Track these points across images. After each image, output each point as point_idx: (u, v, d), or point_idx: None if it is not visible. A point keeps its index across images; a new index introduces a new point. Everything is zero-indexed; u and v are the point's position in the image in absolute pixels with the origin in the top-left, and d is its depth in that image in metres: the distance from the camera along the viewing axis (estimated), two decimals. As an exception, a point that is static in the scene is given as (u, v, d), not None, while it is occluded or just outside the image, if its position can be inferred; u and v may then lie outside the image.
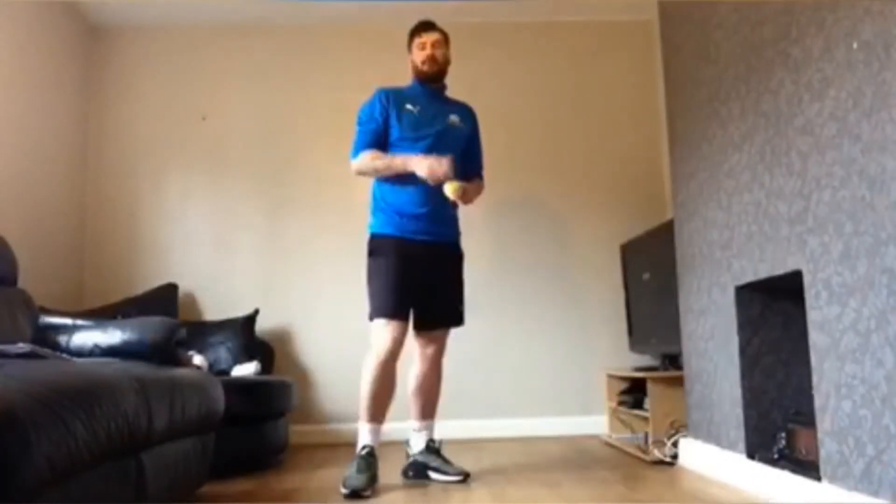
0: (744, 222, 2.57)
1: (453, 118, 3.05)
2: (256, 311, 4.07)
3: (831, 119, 2.03)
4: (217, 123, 4.42)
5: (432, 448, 2.98)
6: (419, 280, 2.88)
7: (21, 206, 3.64)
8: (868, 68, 1.86)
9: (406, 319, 2.88)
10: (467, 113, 3.13)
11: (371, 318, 2.86)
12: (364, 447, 2.79)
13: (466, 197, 2.94)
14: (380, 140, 2.95)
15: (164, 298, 4.04)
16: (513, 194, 4.36)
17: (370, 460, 2.76)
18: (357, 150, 2.96)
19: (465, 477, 2.85)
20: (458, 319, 3.03)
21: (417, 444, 3.00)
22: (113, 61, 4.45)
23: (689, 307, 3.08)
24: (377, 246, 2.92)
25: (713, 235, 2.83)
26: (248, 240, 4.35)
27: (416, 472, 2.94)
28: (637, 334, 4.03)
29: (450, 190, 2.83)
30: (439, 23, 3.08)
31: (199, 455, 2.46)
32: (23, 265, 3.08)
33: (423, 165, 2.84)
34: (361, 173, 2.97)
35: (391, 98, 2.98)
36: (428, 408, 3.04)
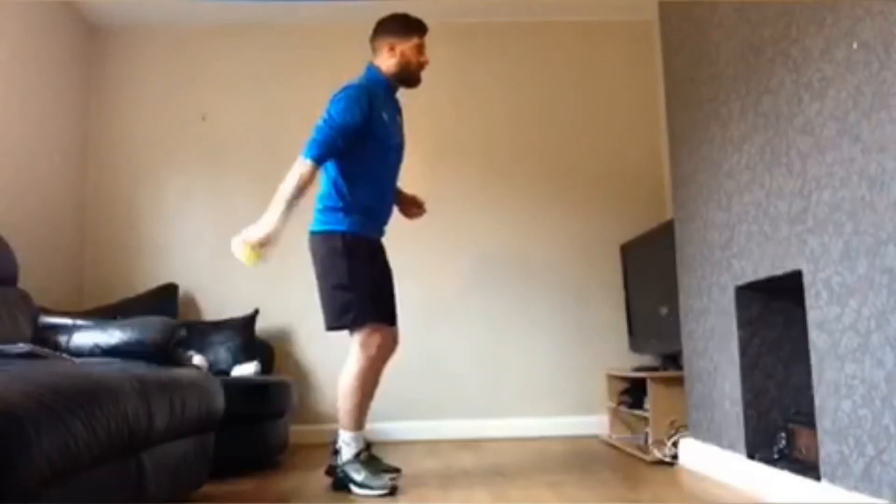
0: (744, 222, 2.57)
1: (399, 119, 2.92)
2: (256, 311, 4.07)
3: (831, 119, 2.03)
4: (217, 123, 4.42)
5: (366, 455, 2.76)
6: (386, 281, 2.87)
7: (21, 206, 3.63)
8: (868, 68, 1.86)
9: None
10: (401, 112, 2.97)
11: (361, 324, 2.68)
12: (363, 450, 2.73)
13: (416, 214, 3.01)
14: (341, 151, 2.69)
15: (164, 298, 4.04)
16: (512, 194, 4.35)
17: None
18: (318, 151, 2.65)
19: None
20: None
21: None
22: (113, 61, 4.45)
23: (690, 307, 3.08)
24: (355, 247, 2.73)
25: (713, 235, 2.83)
26: (248, 240, 4.34)
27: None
28: (637, 334, 4.03)
29: (249, 251, 2.53)
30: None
31: (199, 455, 2.47)
32: (23, 265, 3.08)
33: (259, 233, 2.58)
34: (297, 181, 2.63)
35: (371, 99, 2.72)
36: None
